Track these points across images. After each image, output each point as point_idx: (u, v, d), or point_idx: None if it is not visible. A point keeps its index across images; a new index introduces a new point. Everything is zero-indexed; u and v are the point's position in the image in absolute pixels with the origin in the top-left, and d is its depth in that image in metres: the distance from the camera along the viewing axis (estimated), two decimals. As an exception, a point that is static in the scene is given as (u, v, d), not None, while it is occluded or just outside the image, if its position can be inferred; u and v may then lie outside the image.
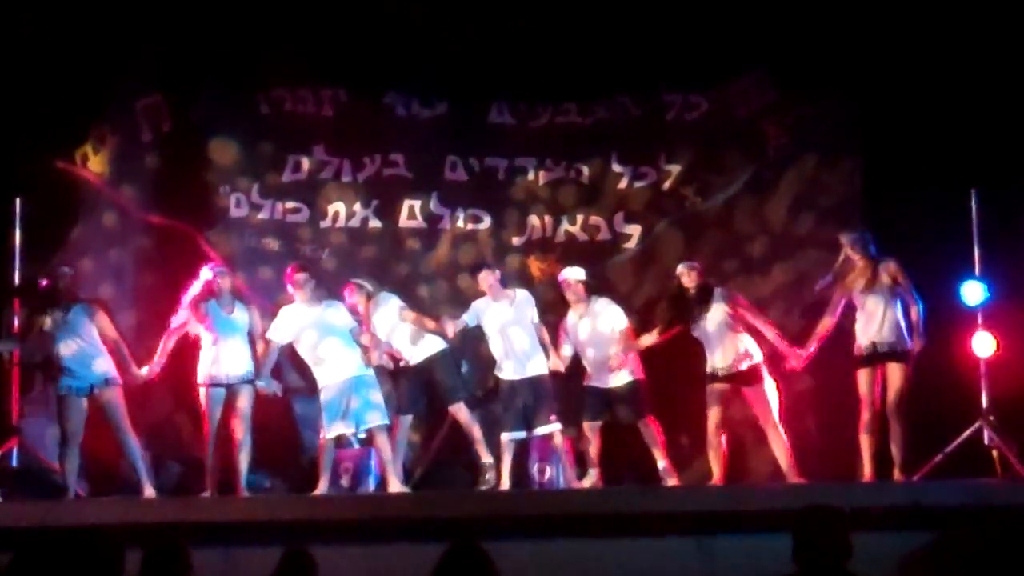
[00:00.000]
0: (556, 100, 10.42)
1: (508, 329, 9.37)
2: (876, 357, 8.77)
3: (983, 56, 9.50)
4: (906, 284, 8.78)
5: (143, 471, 8.88)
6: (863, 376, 8.81)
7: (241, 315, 9.22)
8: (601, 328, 9.39)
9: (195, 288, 9.13)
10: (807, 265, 9.94)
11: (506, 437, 9.29)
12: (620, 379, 9.34)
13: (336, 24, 10.11)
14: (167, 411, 9.79)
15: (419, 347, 9.41)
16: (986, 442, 8.93)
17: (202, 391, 9.05)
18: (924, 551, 7.32)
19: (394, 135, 10.44)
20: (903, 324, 8.77)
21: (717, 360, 9.13)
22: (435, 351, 9.41)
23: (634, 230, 10.40)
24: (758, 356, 9.10)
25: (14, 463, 9.38)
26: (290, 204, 10.31)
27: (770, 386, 9.07)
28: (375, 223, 10.39)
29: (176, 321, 9.10)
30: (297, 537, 6.28)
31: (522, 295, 9.51)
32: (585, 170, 10.49)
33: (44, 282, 9.06)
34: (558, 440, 9.38)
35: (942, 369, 9.20)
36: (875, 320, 8.78)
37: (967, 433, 8.89)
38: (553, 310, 9.76)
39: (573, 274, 9.52)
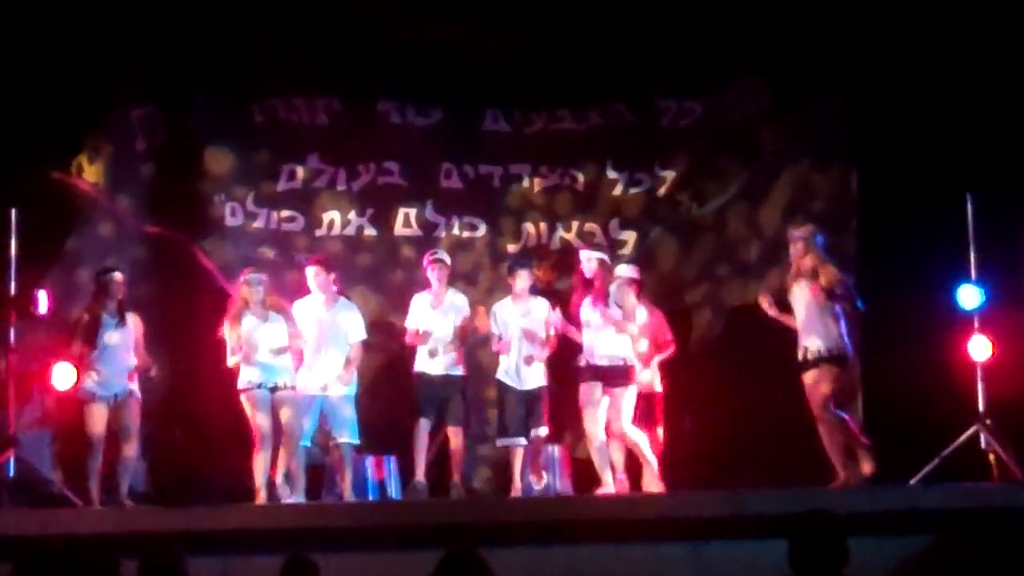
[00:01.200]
0: (551, 107, 10.43)
1: (519, 335, 9.33)
2: (812, 362, 8.44)
3: (978, 60, 9.50)
4: (844, 289, 8.53)
5: (126, 483, 8.84)
6: (808, 380, 8.50)
7: (276, 324, 9.09)
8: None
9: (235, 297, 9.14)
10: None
11: (503, 443, 9.28)
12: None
13: (329, 33, 10.12)
14: (163, 419, 9.78)
15: (447, 361, 9.37)
16: (983, 446, 8.92)
17: (243, 397, 8.97)
18: (921, 555, 7.32)
19: (389, 143, 10.44)
20: (839, 329, 8.45)
21: (596, 350, 8.93)
22: (461, 373, 9.41)
23: (629, 236, 10.39)
24: (632, 358, 8.96)
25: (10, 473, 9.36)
26: (285, 213, 10.31)
27: (632, 392, 8.93)
28: (370, 231, 10.39)
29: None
30: (294, 545, 6.27)
31: (542, 306, 9.41)
32: (580, 177, 10.49)
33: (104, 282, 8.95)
34: (551, 449, 9.40)
35: (939, 373, 9.21)
36: (807, 322, 8.51)
37: (964, 437, 8.87)
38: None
39: (625, 272, 9.30)
